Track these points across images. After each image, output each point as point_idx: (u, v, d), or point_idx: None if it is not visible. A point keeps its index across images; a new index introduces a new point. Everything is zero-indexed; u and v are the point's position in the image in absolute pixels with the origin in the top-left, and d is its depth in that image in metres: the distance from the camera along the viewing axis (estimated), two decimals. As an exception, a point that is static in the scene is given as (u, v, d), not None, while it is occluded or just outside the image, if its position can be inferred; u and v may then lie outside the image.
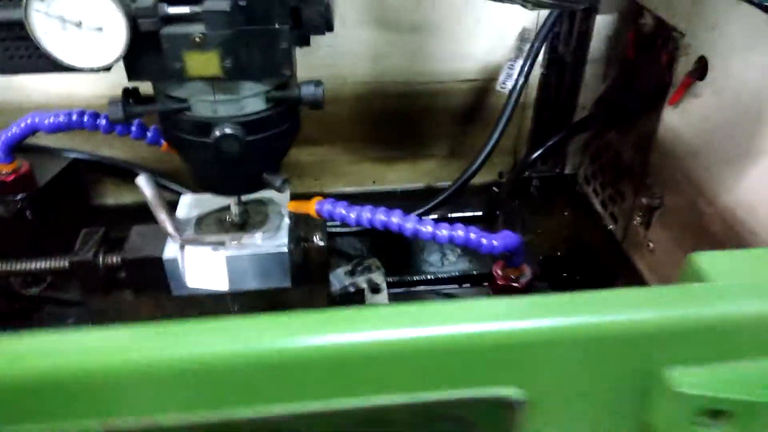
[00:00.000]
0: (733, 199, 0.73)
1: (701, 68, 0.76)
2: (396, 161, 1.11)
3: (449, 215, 1.05)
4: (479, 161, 0.88)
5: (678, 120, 0.83)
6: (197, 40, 0.48)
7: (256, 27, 0.52)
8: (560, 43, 1.00)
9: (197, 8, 0.49)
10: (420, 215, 0.82)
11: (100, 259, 0.72)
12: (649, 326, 0.30)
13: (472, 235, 0.66)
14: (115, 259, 0.72)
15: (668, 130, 0.85)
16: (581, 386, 0.32)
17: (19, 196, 0.79)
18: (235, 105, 0.57)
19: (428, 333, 0.30)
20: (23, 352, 0.30)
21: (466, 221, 1.08)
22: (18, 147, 0.79)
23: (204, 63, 0.50)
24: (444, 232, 0.65)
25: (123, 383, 0.29)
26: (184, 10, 0.49)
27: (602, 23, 0.98)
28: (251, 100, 0.58)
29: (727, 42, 0.72)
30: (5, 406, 0.30)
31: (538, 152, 1.02)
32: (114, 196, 1.03)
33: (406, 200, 1.11)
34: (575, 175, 1.15)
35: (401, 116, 1.06)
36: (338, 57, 0.98)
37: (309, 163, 1.08)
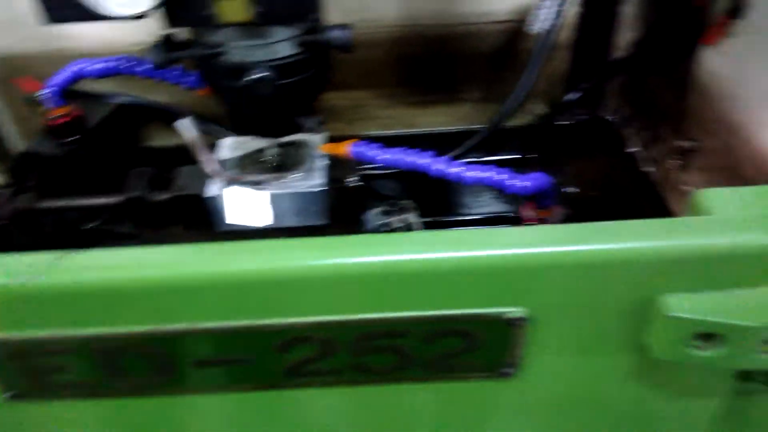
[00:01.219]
0: (767, 141, 0.72)
1: (737, 7, 0.74)
2: (430, 105, 1.12)
3: (486, 158, 1.07)
4: (512, 104, 0.88)
5: (715, 61, 0.81)
6: (229, -13, 0.51)
7: (285, -27, 0.53)
8: (598, -19, 0.98)
9: (229, -44, 0.51)
10: (454, 158, 0.84)
11: (150, 196, 0.77)
12: (648, 255, 0.32)
13: (503, 176, 0.68)
14: (163, 196, 0.77)
15: (705, 71, 0.84)
16: (582, 309, 0.34)
17: (71, 138, 0.84)
18: (267, 49, 0.59)
19: (443, 257, 0.33)
20: (85, 267, 0.35)
21: (503, 164, 1.10)
22: (69, 93, 0.83)
23: (235, 9, 0.52)
24: (473, 173, 0.67)
25: (166, 294, 0.33)
26: (216, -42, 0.51)
27: (643, -41, 0.95)
28: (282, 44, 0.60)
29: (770, -23, 0.70)
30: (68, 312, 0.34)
31: (573, 94, 1.02)
32: (160, 139, 1.08)
33: (442, 143, 1.12)
34: (613, 118, 1.14)
35: (434, 60, 1.06)
36: (370, 1, 0.98)
37: (343, 107, 1.10)
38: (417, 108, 1.12)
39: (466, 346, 0.35)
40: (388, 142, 0.77)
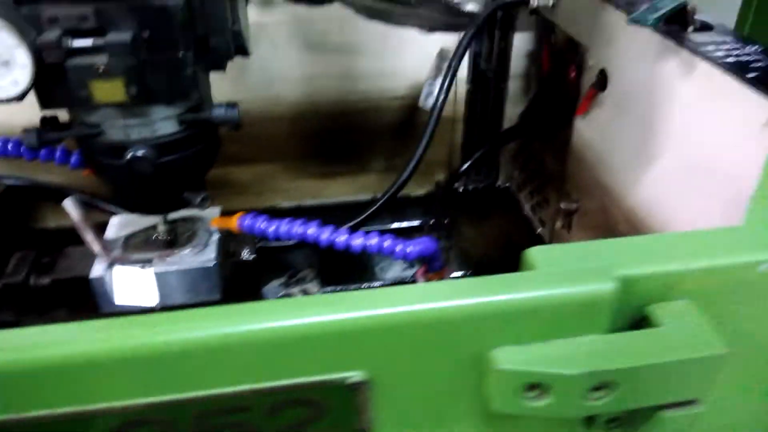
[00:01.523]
0: (634, 201, 0.78)
1: (602, 80, 0.82)
2: (335, 176, 1.15)
3: (390, 226, 1.11)
4: (406, 175, 0.92)
5: (586, 129, 0.88)
6: (101, 70, 0.52)
7: (160, 56, 0.55)
8: (482, 61, 1.06)
9: (100, 40, 0.52)
10: (353, 227, 0.86)
11: (32, 280, 0.75)
12: (472, 312, 0.34)
13: (386, 243, 0.70)
14: (45, 280, 0.75)
15: (579, 138, 0.91)
16: (421, 368, 0.36)
17: (-49, 224, 0.81)
18: (147, 128, 0.60)
19: (275, 326, 0.34)
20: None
21: (405, 231, 1.13)
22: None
23: (109, 90, 0.53)
24: (358, 241, 0.69)
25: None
26: (87, 42, 0.52)
27: (520, 41, 1.04)
28: (162, 123, 0.61)
29: (622, 55, 0.78)
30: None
31: (468, 164, 1.08)
32: (54, 219, 1.05)
33: (348, 213, 1.15)
34: (507, 183, 1.20)
35: (337, 133, 1.10)
36: (271, 79, 1.02)
37: (248, 181, 1.11)
38: (323, 179, 1.15)
39: (313, 415, 0.35)
40: (296, 213, 0.78)
